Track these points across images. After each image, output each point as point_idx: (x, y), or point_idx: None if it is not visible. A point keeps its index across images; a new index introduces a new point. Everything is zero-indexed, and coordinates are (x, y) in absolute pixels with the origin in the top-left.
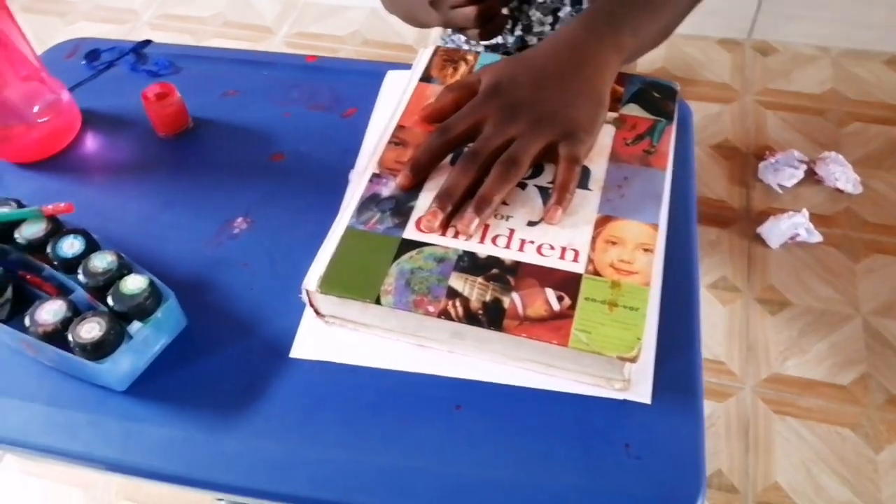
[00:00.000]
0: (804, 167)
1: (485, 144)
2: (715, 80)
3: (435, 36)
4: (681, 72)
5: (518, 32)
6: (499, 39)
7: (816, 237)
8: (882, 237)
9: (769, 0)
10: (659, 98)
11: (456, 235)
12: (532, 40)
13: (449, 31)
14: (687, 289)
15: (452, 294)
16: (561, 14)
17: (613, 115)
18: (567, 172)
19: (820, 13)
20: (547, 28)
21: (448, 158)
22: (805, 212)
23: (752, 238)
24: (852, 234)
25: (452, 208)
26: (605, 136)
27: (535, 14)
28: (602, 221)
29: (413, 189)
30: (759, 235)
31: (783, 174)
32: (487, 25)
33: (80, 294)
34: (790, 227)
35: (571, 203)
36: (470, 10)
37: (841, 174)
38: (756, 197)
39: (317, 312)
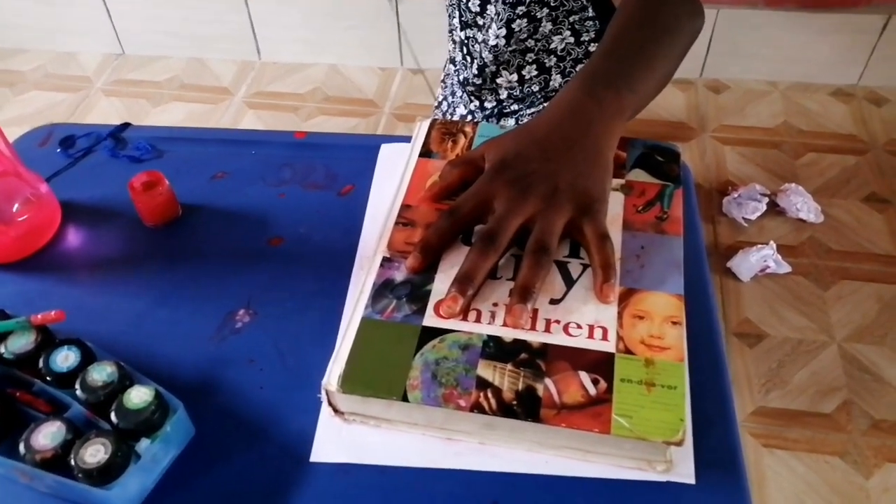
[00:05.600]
0: (766, 200)
1: (500, 225)
2: (672, 120)
3: (396, 88)
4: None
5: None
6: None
7: (785, 268)
8: (847, 263)
9: (718, 40)
10: (663, 162)
11: (478, 319)
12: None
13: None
14: (713, 357)
15: (482, 385)
16: (524, 73)
17: (620, 181)
18: (602, 250)
19: (766, 50)
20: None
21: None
22: (772, 243)
23: (723, 272)
24: (818, 262)
25: (473, 292)
26: (616, 205)
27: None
28: (626, 294)
29: (426, 271)
30: (729, 269)
31: (747, 208)
32: None
33: (78, 410)
34: (759, 259)
35: (590, 278)
36: None
37: (802, 204)
38: (723, 232)
39: (335, 410)
